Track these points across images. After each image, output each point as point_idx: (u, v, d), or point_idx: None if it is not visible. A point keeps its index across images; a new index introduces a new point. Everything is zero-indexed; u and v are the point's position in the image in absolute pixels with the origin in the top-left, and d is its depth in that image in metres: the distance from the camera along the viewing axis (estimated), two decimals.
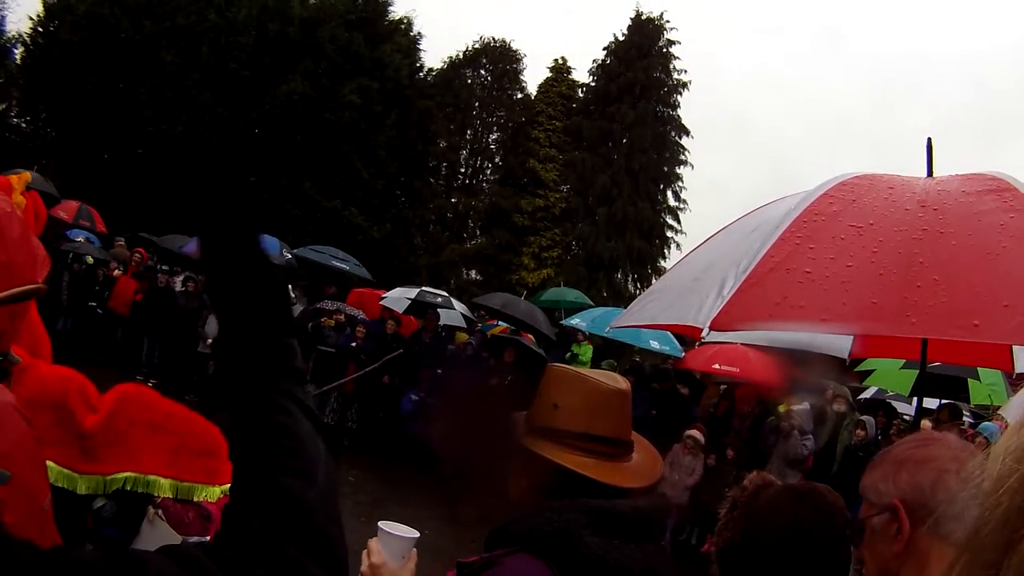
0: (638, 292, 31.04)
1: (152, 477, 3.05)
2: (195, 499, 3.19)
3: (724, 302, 2.37)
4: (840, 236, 2.50)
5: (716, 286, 2.51)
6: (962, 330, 2.22)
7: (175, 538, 3.29)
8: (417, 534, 2.27)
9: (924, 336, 2.81)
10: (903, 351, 4.71)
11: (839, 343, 4.31)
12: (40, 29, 32.03)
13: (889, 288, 2.29)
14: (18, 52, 32.84)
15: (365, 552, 2.23)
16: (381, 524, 2.25)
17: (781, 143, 65.19)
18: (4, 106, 32.54)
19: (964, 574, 0.66)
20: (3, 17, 32.34)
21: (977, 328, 2.17)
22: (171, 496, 3.14)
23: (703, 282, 2.72)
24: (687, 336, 4.28)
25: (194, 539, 3.32)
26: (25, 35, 32.45)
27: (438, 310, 15.03)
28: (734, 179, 55.40)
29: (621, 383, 2.16)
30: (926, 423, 9.67)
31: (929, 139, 3.09)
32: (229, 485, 3.25)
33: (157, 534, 3.30)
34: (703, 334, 2.39)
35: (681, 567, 5.93)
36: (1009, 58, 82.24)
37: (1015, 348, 3.68)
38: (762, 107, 70.45)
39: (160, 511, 3.32)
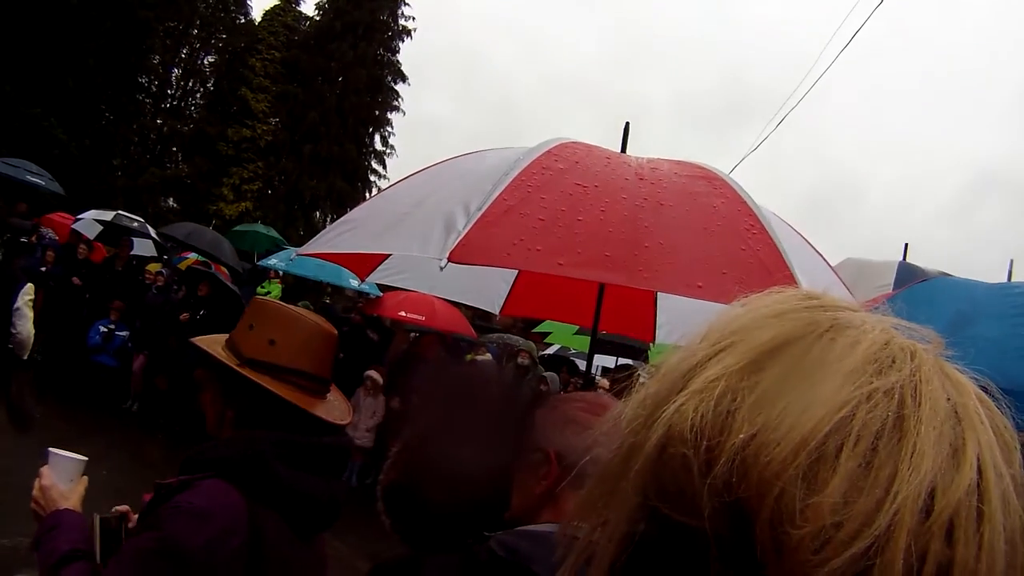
0: None
1: None
2: None
3: (460, 236, 2.38)
4: (568, 192, 2.61)
5: (441, 221, 2.53)
6: (689, 288, 2.41)
7: None
8: (85, 459, 2.36)
9: (657, 290, 3.07)
10: (556, 312, 5.20)
11: (492, 296, 4.52)
12: None
13: (620, 244, 2.44)
14: None
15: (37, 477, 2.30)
16: (51, 449, 2.33)
17: (511, 94, 65.89)
18: None
19: (588, 503, 0.72)
20: None
21: (701, 288, 2.37)
22: None
23: (420, 216, 2.76)
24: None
25: None
26: None
27: (132, 238, 14.71)
28: (455, 124, 55.78)
29: (330, 326, 2.35)
30: (604, 381, 10.74)
31: (627, 123, 3.47)
32: None
33: None
34: (441, 264, 2.32)
35: (365, 509, 6.56)
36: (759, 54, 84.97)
37: (659, 322, 4.34)
38: (498, 54, 70.59)
39: None
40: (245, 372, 2.17)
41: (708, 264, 2.48)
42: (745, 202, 2.75)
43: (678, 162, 3.08)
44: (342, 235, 3.18)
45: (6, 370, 7.54)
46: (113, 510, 2.29)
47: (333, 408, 2.29)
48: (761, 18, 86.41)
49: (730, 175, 2.99)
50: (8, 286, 7.44)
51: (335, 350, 2.38)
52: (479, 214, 2.46)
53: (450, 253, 2.32)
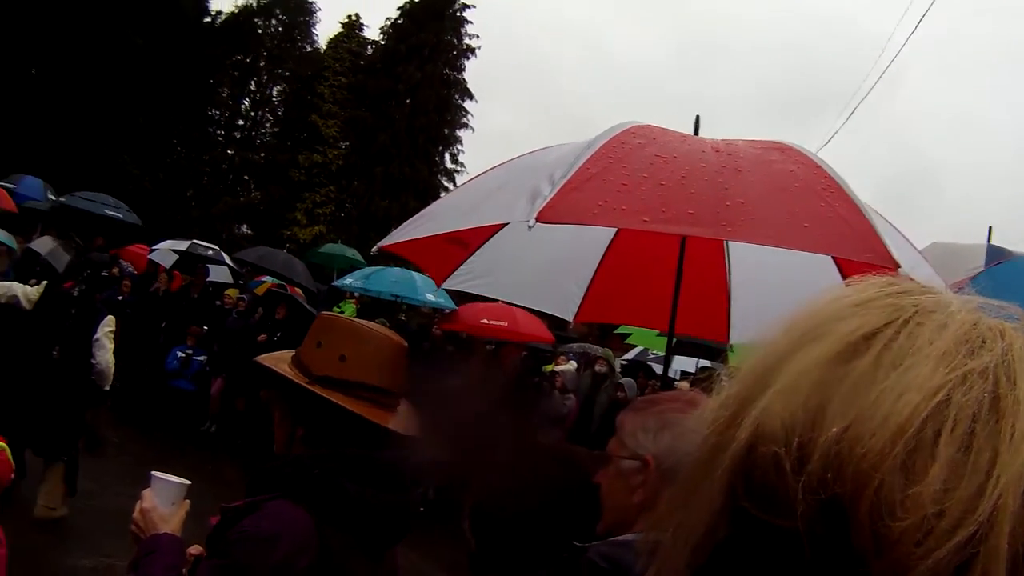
0: None
1: None
2: None
3: (547, 200, 2.46)
4: (648, 162, 2.71)
5: (526, 192, 2.62)
6: (772, 239, 2.57)
7: None
8: (188, 482, 2.36)
9: (743, 241, 3.08)
10: (631, 317, 5.25)
11: (566, 302, 4.54)
12: None
13: (703, 204, 2.53)
14: None
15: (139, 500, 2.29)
16: (153, 473, 2.33)
17: (580, 101, 65.73)
18: None
19: (668, 506, 0.72)
20: None
21: (784, 239, 2.54)
22: None
23: (503, 193, 2.91)
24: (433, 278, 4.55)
25: None
26: None
27: (208, 266, 14.82)
28: (525, 136, 55.80)
29: (400, 339, 2.31)
30: (683, 384, 10.25)
31: (697, 116, 3.51)
32: None
33: None
34: (530, 223, 2.40)
35: (439, 518, 6.60)
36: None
37: (732, 322, 4.34)
38: (564, 63, 70.58)
39: None
40: (316, 389, 2.13)
41: (790, 218, 2.56)
42: (820, 166, 2.82)
43: (749, 140, 3.15)
44: (423, 223, 3.35)
45: (87, 399, 7.72)
46: (187, 553, 2.24)
47: (404, 421, 2.23)
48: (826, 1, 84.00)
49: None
50: (89, 319, 7.59)
51: (405, 362, 2.31)
52: (564, 181, 2.54)
53: (538, 213, 2.40)
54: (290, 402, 2.22)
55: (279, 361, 2.27)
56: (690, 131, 3.52)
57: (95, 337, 7.51)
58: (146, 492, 2.29)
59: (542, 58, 67.80)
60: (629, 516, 1.74)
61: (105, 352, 7.58)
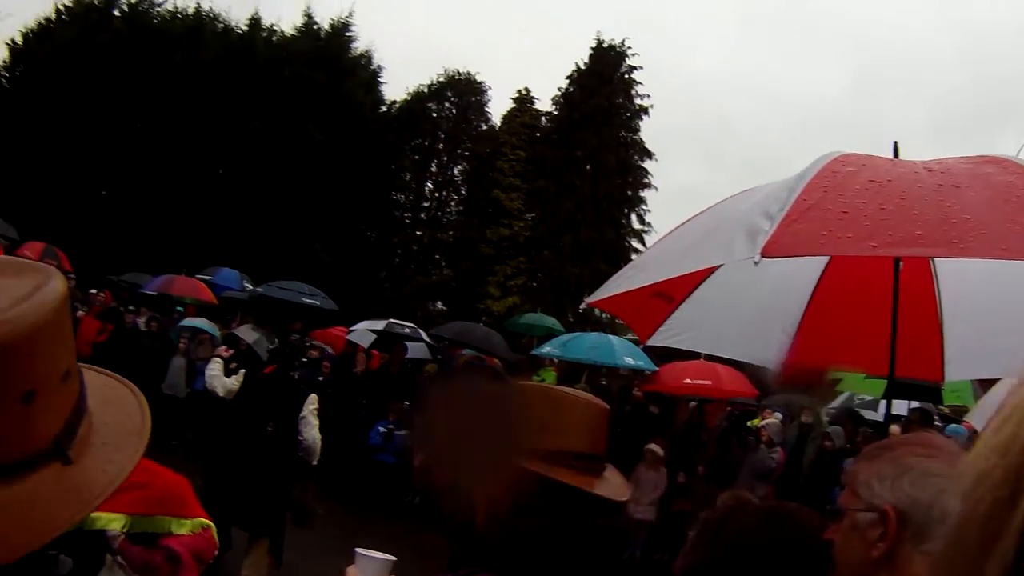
0: (604, 316, 31.25)
1: (101, 513, 2.75)
2: (157, 531, 2.99)
3: (769, 234, 2.46)
4: (864, 188, 2.67)
5: (742, 230, 2.64)
6: (1008, 253, 2.43)
7: None
8: (394, 558, 2.29)
9: (975, 257, 2.87)
10: (841, 360, 4.93)
11: (770, 351, 4.41)
12: (5, 74, 32.11)
13: (928, 225, 2.47)
14: None
15: None
16: (358, 549, 2.25)
17: (763, 145, 64.43)
18: None
19: (945, 573, 0.66)
20: None
21: (1019, 250, 2.40)
22: (125, 530, 2.87)
23: (717, 236, 2.92)
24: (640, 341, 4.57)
25: None
26: None
27: (405, 343, 14.97)
28: (710, 188, 54.91)
29: (600, 401, 2.14)
30: (895, 428, 9.68)
31: (895, 142, 3.33)
32: (201, 520, 3.17)
33: None
34: (755, 259, 2.41)
35: None
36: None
37: (947, 357, 4.09)
38: (741, 110, 69.65)
39: (119, 557, 2.96)
40: (518, 461, 1.95)
41: (1020, 228, 2.45)
42: None
43: (958, 157, 3.11)
44: (633, 275, 3.39)
45: (296, 474, 8.11)
46: None
47: (611, 485, 2.05)
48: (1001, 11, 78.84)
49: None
50: (293, 399, 7.95)
51: (608, 425, 2.13)
52: (783, 214, 2.55)
53: (763, 248, 2.41)
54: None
55: None
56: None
57: (301, 415, 7.84)
58: (351, 569, 2.20)
59: (713, 107, 66.97)
60: (867, 573, 1.63)
61: (311, 428, 7.92)
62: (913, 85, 71.48)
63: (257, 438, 7.72)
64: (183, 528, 3.10)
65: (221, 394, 8.40)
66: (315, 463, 8.14)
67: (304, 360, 12.97)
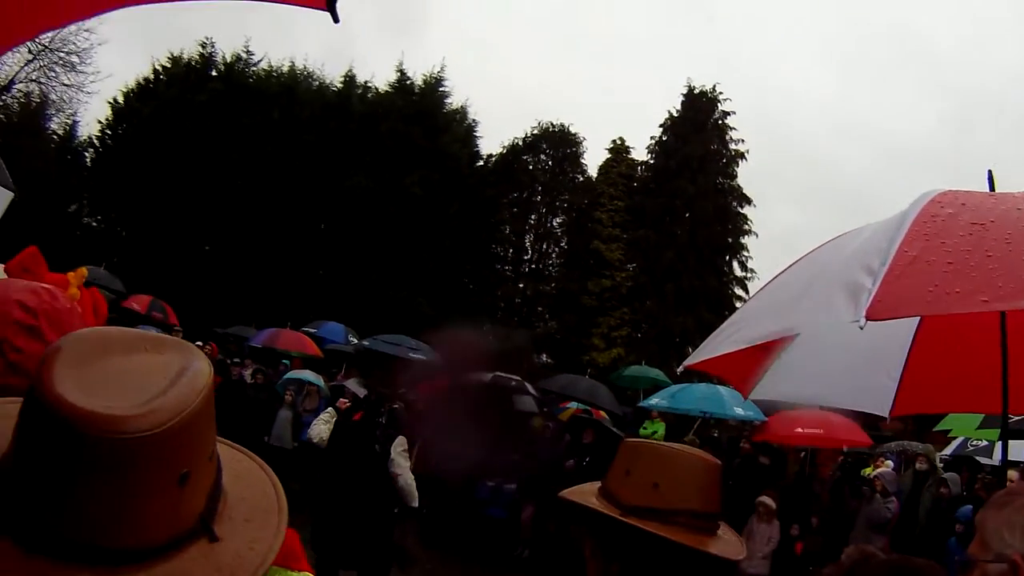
0: None
1: None
2: None
3: (873, 293, 2.32)
4: (967, 232, 2.51)
5: (842, 287, 2.50)
6: None
7: None
8: None
9: None
10: (952, 402, 4.84)
11: (878, 397, 4.24)
12: (109, 132, 33.76)
13: None
14: (88, 155, 34.57)
15: None
16: None
17: (860, 183, 62.75)
18: (76, 206, 33.97)
19: None
20: (75, 123, 34.16)
21: None
22: None
23: (816, 292, 2.77)
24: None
25: None
26: (95, 138, 34.27)
27: (512, 396, 14.87)
28: (811, 230, 53.53)
29: (712, 457, 2.14)
30: (1013, 474, 9.44)
31: (990, 171, 3.20)
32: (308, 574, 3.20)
33: None
34: (860, 323, 2.26)
35: None
36: None
37: None
38: (837, 149, 68.23)
39: None
40: (632, 521, 1.97)
41: None
42: None
43: None
44: (732, 335, 3.23)
45: (395, 516, 8.27)
46: None
47: (726, 544, 2.04)
48: None
49: None
50: (381, 443, 8.17)
51: (721, 482, 2.15)
52: (884, 269, 2.42)
53: (867, 310, 2.27)
54: (602, 536, 2.07)
55: (586, 495, 2.15)
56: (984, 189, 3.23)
57: (390, 458, 8.02)
58: None
59: (808, 148, 65.79)
60: None
61: (400, 469, 8.03)
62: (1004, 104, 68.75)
63: (350, 482, 7.96)
64: None
65: (315, 441, 8.95)
66: (415, 505, 8.19)
67: (394, 407, 13.35)
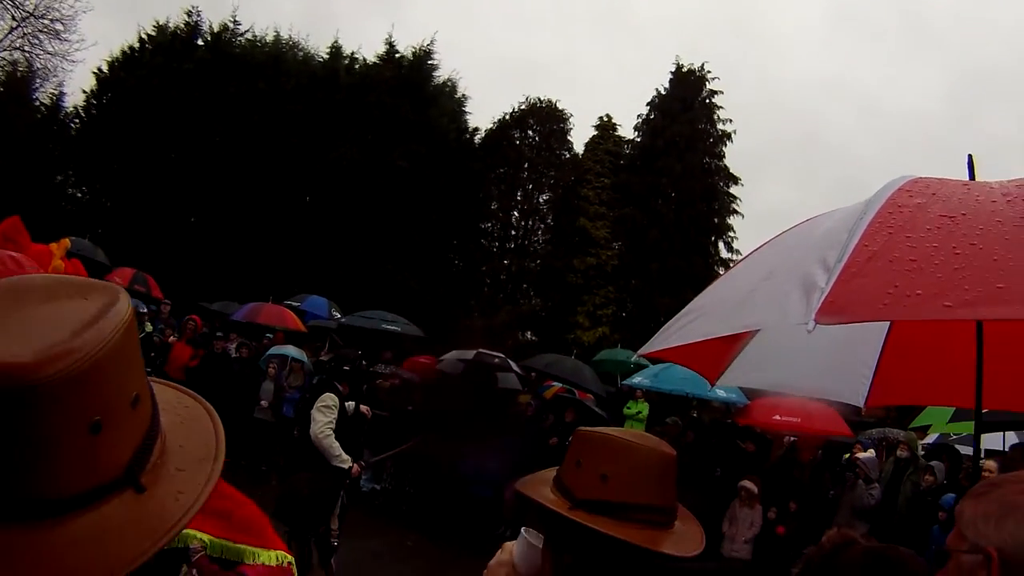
0: None
1: (195, 532, 2.82)
2: (235, 559, 2.94)
3: (825, 293, 2.19)
4: (935, 226, 2.39)
5: (798, 284, 2.36)
6: None
7: None
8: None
9: None
10: (928, 394, 4.68)
11: (854, 387, 4.14)
12: (94, 102, 33.58)
13: (1011, 273, 2.15)
14: (74, 125, 34.32)
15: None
16: (524, 529, 2.22)
17: (853, 162, 62.61)
18: (61, 178, 33.88)
19: None
20: (62, 94, 34.02)
21: None
22: (214, 554, 2.87)
23: (772, 286, 2.63)
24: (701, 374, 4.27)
25: None
26: (80, 108, 34.09)
27: (496, 373, 14.90)
28: (800, 209, 53.38)
29: (667, 448, 2.07)
30: (991, 464, 9.40)
31: (970, 155, 3.07)
32: (285, 555, 3.14)
33: None
34: (808, 327, 2.11)
35: None
36: None
37: None
38: (830, 126, 67.94)
39: (195, 570, 2.95)
40: (577, 516, 1.93)
41: None
42: None
43: None
44: (688, 325, 3.10)
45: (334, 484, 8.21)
46: None
47: (680, 538, 2.00)
48: None
49: None
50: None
51: (675, 473, 2.08)
52: (841, 266, 2.29)
53: (816, 313, 2.14)
54: (552, 529, 2.05)
55: (541, 484, 2.11)
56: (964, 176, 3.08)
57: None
58: (508, 544, 2.25)
59: (800, 125, 65.58)
60: None
61: (314, 424, 7.97)
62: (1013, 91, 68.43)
63: (299, 450, 8.18)
64: (262, 558, 3.03)
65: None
66: (338, 465, 8.01)
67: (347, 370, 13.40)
